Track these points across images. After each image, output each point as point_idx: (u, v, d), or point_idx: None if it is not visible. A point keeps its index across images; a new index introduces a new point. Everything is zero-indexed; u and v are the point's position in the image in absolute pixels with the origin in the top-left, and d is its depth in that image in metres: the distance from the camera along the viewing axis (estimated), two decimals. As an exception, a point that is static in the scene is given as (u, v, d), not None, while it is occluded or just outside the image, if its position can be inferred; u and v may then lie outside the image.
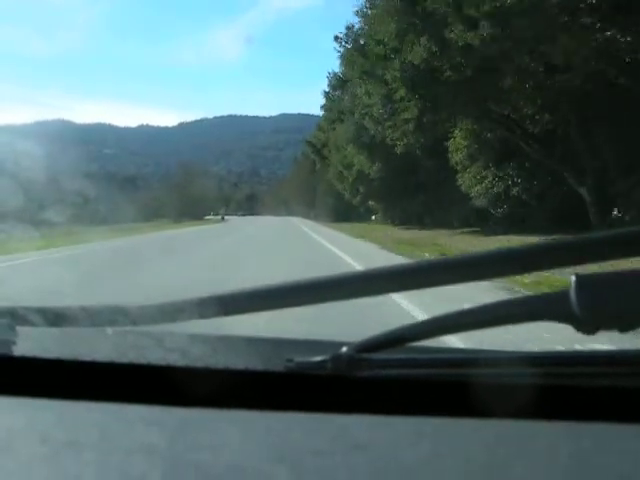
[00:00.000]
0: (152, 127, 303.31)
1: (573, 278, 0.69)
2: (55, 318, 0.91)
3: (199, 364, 0.78)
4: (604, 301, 0.69)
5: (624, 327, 0.70)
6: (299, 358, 0.76)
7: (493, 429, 0.68)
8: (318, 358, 0.75)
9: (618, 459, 0.61)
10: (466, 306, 0.74)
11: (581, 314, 0.68)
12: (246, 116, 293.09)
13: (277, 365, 0.76)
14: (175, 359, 0.79)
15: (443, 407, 0.71)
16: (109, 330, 0.89)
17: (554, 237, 6.80)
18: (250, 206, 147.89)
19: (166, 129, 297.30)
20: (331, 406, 0.71)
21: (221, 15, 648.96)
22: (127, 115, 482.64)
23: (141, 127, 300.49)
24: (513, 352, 0.79)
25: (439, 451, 0.62)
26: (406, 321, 0.79)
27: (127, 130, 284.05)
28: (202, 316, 0.81)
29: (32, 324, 0.88)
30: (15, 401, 0.71)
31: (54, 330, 0.92)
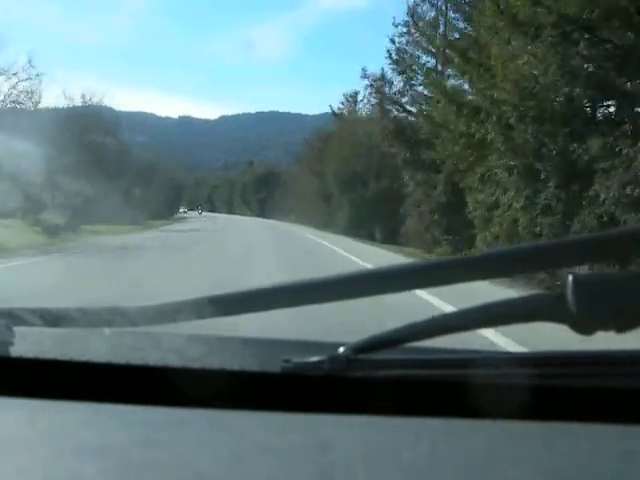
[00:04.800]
0: (193, 119, 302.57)
1: (570, 278, 0.69)
2: (53, 319, 0.90)
3: (196, 365, 0.77)
4: (601, 301, 0.69)
5: (621, 327, 0.70)
6: (296, 359, 0.75)
7: (490, 429, 0.68)
8: (315, 359, 0.74)
9: (615, 459, 0.62)
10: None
11: (578, 314, 0.68)
12: (289, 113, 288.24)
13: (274, 366, 0.76)
14: (173, 360, 0.78)
15: (440, 408, 0.70)
16: (107, 331, 0.88)
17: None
18: (262, 199, 73.73)
19: (207, 122, 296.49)
20: (328, 407, 0.71)
21: (268, 12, 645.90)
22: (169, 106, 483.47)
23: (182, 118, 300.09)
24: (510, 353, 0.82)
25: (436, 451, 0.62)
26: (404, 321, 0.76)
27: (168, 120, 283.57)
28: (200, 317, 0.81)
29: (30, 325, 0.88)
30: (12, 402, 0.71)
31: (52, 331, 0.92)
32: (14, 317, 0.85)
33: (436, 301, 5.97)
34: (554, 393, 0.72)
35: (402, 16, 21.25)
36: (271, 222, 45.92)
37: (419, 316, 0.76)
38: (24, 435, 0.63)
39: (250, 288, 0.82)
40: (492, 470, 0.59)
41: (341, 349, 0.74)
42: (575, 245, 0.79)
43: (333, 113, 38.75)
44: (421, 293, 5.80)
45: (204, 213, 75.41)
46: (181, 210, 69.74)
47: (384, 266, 0.80)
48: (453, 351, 0.86)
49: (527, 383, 0.71)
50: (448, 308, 4.82)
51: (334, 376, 0.73)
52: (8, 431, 0.64)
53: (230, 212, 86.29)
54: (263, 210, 70.85)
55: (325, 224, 34.20)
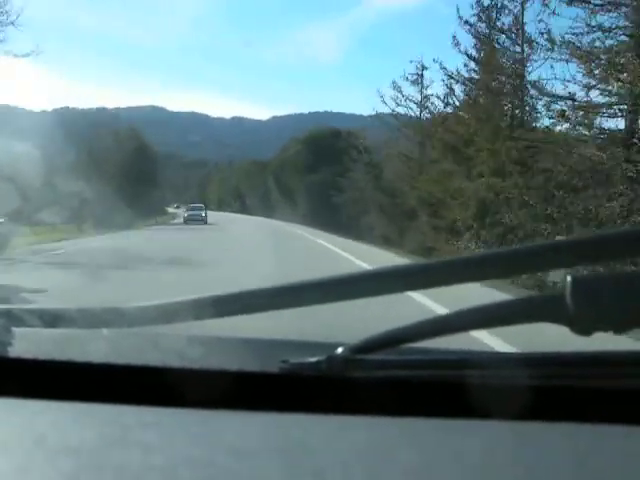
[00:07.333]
0: (245, 119, 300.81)
1: (569, 279, 0.69)
2: (51, 319, 0.90)
3: (195, 365, 0.77)
4: (599, 302, 0.69)
5: (619, 328, 0.70)
6: (294, 359, 0.75)
7: (489, 430, 0.68)
8: (313, 359, 0.74)
9: (615, 460, 0.62)
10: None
11: (576, 315, 0.68)
12: (342, 113, 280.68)
13: (272, 366, 0.76)
14: (171, 360, 0.78)
15: (438, 408, 0.70)
16: (105, 331, 0.88)
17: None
18: (317, 187, 38.09)
19: (259, 122, 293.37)
20: (326, 407, 0.70)
21: (321, 13, 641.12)
22: (222, 107, 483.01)
23: (234, 119, 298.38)
24: (509, 353, 0.80)
25: (435, 452, 0.62)
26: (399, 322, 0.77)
27: (220, 121, 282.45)
28: (198, 317, 0.81)
29: (28, 325, 0.87)
30: (11, 402, 0.71)
31: (50, 331, 0.91)
32: (12, 318, 0.85)
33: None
34: (552, 394, 0.72)
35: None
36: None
37: (417, 317, 0.75)
38: (22, 436, 0.62)
39: (249, 289, 0.81)
40: (490, 471, 0.59)
41: (339, 349, 0.74)
42: (573, 246, 0.79)
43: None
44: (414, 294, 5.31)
45: (219, 214, 45.19)
46: (174, 210, 51.57)
47: (381, 267, 0.80)
48: (451, 352, 0.85)
49: (525, 384, 0.71)
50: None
51: (332, 376, 0.73)
52: (6, 432, 0.63)
53: (267, 214, 53.14)
54: (318, 212, 36.84)
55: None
